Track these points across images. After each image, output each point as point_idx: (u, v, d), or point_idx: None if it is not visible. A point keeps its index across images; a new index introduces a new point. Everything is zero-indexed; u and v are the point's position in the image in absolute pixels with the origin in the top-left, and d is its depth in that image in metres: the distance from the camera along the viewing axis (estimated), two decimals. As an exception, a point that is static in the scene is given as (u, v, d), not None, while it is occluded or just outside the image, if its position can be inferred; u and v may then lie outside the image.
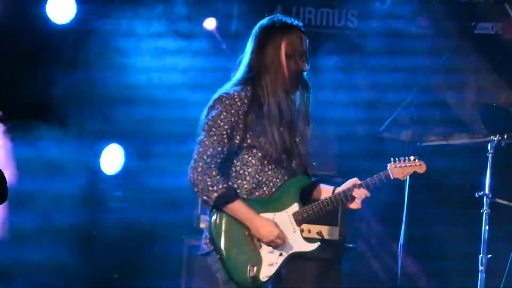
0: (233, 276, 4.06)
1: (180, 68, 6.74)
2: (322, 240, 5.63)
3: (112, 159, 6.68)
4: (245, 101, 4.10)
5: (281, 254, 4.12)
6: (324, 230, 5.98)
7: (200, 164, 4.03)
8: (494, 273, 6.13)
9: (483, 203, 6.00)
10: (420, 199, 6.57)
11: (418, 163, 4.36)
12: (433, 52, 7.18)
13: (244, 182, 4.14)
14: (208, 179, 4.02)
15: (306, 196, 4.24)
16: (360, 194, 4.24)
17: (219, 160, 4.07)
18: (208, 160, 4.03)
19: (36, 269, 6.03)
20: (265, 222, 4.09)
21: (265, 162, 4.12)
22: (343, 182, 4.35)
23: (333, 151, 6.75)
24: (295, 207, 4.17)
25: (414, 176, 5.80)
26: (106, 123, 6.54)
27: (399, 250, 6.38)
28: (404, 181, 6.14)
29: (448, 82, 7.26)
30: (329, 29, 7.47)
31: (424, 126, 6.96)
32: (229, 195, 4.06)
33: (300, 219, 4.16)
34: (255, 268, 4.08)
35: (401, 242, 6.38)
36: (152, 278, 6.63)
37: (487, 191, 6.01)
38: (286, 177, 4.18)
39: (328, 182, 4.46)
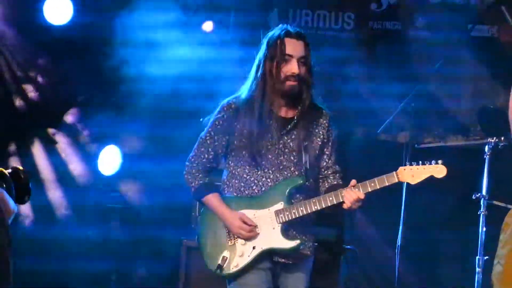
0: (206, 263, 4.33)
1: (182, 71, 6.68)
2: (318, 241, 5.62)
3: (109, 160, 6.69)
4: (233, 106, 4.34)
5: (254, 248, 4.26)
6: (323, 232, 5.77)
7: (187, 163, 4.41)
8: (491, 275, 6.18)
9: (480, 205, 5.97)
10: (417, 200, 6.53)
11: (435, 167, 4.19)
12: (430, 54, 7.17)
13: (236, 181, 4.35)
14: (189, 177, 4.39)
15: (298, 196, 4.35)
16: (351, 195, 4.17)
17: (204, 160, 4.39)
18: (192, 160, 4.40)
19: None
20: (231, 216, 4.28)
21: (254, 163, 4.30)
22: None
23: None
24: (279, 205, 4.26)
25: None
26: (105, 123, 6.53)
27: (396, 251, 6.37)
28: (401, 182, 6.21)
29: (445, 84, 7.25)
30: (326, 31, 7.55)
31: (421, 128, 7.01)
32: (202, 190, 4.37)
33: (282, 217, 4.25)
34: (227, 258, 4.27)
35: (399, 244, 6.36)
36: (150, 279, 6.68)
37: (484, 193, 5.97)
38: (281, 178, 4.29)
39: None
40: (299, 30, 4.38)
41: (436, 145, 6.90)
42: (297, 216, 4.25)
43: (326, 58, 6.94)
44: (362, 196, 4.17)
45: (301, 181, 4.28)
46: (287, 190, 4.27)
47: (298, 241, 4.27)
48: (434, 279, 7.11)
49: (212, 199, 4.35)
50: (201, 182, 4.36)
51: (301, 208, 4.24)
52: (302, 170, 4.31)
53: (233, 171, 4.36)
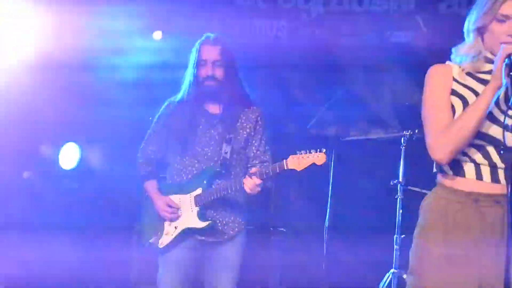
0: (142, 240, 4.80)
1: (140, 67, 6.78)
2: (251, 223, 5.79)
3: (69, 155, 6.83)
4: (171, 105, 4.81)
5: (176, 227, 4.67)
6: (256, 215, 5.71)
7: (137, 155, 4.89)
8: (408, 251, 6.47)
9: (397, 190, 6.38)
10: (344, 186, 6.78)
11: (317, 155, 4.36)
12: (354, 57, 7.34)
13: (171, 169, 4.79)
14: (138, 167, 4.87)
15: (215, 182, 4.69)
16: (249, 181, 4.47)
17: (149, 152, 4.84)
18: (141, 152, 4.88)
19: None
20: (159, 200, 4.73)
21: (183, 154, 4.71)
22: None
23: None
24: (198, 191, 4.65)
25: (338, 165, 6.17)
26: (65, 120, 6.62)
27: (324, 232, 6.62)
28: (329, 170, 6.56)
29: (368, 84, 7.47)
30: (262, 38, 7.66)
31: (346, 123, 7.20)
32: (143, 178, 4.83)
33: (198, 201, 4.64)
34: (157, 236, 4.71)
35: (326, 225, 6.59)
36: (105, 263, 6.61)
37: (400, 179, 6.36)
38: (204, 167, 4.69)
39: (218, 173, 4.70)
40: (218, 36, 4.72)
41: (360, 138, 7.07)
42: (211, 199, 4.60)
43: (263, 62, 7.28)
44: (258, 182, 4.44)
45: (218, 170, 4.62)
46: (206, 178, 4.62)
47: (209, 222, 4.60)
48: (358, 256, 7.22)
49: (149, 186, 4.81)
50: (142, 171, 4.84)
51: (214, 193, 4.59)
52: (221, 160, 4.65)
53: (170, 161, 4.79)
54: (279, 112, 7.22)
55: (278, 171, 4.43)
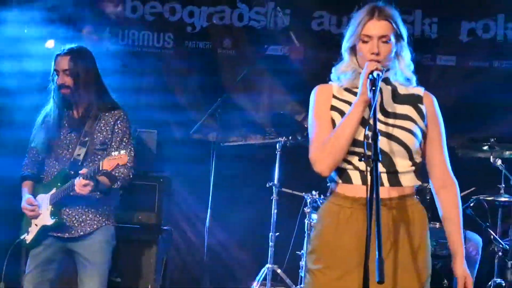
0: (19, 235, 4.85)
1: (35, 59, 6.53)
2: (138, 223, 6.01)
3: None
4: (45, 111, 4.88)
5: (36, 225, 4.76)
6: (143, 215, 6.16)
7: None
8: (282, 248, 6.64)
9: (273, 191, 6.57)
10: (224, 188, 6.87)
11: (120, 156, 4.42)
12: (234, 68, 7.49)
13: (43, 171, 4.87)
14: (22, 167, 4.93)
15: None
16: (77, 182, 4.52)
17: (30, 155, 4.93)
18: (27, 153, 4.95)
19: None
20: (23, 199, 4.80)
21: (48, 156, 4.83)
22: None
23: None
24: (53, 190, 4.74)
25: (219, 169, 6.33)
26: None
27: (205, 231, 6.69)
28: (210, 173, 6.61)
29: (246, 93, 7.55)
30: (150, 48, 7.90)
31: (227, 129, 7.26)
32: (21, 179, 4.90)
33: (51, 199, 4.72)
34: (27, 233, 4.79)
35: (207, 225, 6.67)
36: None
37: (275, 181, 6.55)
38: (61, 168, 4.77)
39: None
40: (70, 47, 4.77)
41: (239, 143, 7.22)
42: (60, 198, 4.65)
43: (150, 71, 7.58)
44: (84, 182, 4.48)
45: (67, 171, 4.69)
46: (60, 179, 4.70)
47: (55, 219, 4.67)
48: (237, 252, 7.50)
49: (23, 186, 4.87)
50: (21, 172, 4.90)
51: (60, 192, 4.67)
52: (72, 162, 4.72)
53: (44, 163, 4.86)
54: (165, 117, 7.34)
55: (96, 171, 4.49)
